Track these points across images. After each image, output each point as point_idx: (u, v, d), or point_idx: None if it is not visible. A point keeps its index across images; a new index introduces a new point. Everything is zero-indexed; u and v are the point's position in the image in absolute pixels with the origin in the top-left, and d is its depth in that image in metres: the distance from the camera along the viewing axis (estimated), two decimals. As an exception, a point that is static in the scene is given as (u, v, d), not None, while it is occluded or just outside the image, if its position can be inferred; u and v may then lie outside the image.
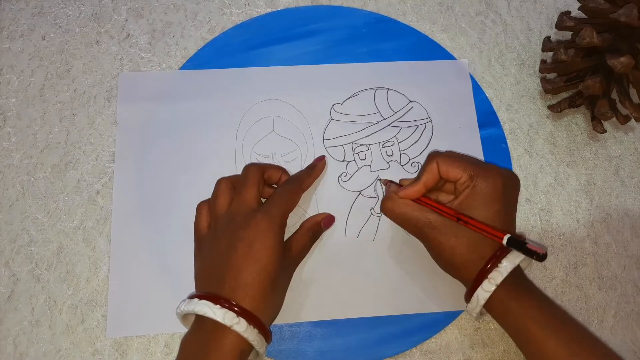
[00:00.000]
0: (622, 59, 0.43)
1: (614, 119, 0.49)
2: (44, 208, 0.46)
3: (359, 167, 0.49)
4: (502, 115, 0.52)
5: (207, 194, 0.46)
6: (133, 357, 0.43)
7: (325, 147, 0.49)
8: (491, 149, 0.50)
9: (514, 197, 0.41)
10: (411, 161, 0.49)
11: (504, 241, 0.36)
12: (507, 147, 0.51)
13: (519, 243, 0.36)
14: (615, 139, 0.52)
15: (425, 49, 0.53)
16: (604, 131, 0.50)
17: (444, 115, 0.51)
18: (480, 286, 0.37)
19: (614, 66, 0.43)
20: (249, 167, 0.42)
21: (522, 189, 0.49)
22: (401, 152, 0.49)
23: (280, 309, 0.40)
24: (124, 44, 0.51)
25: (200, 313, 0.35)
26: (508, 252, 0.37)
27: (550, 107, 0.52)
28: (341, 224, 0.47)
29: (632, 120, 0.48)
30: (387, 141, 0.49)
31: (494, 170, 0.40)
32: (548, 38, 0.51)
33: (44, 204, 0.46)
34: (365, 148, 0.49)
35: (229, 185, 0.42)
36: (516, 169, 0.50)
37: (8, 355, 0.42)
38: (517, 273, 0.39)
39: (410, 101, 0.51)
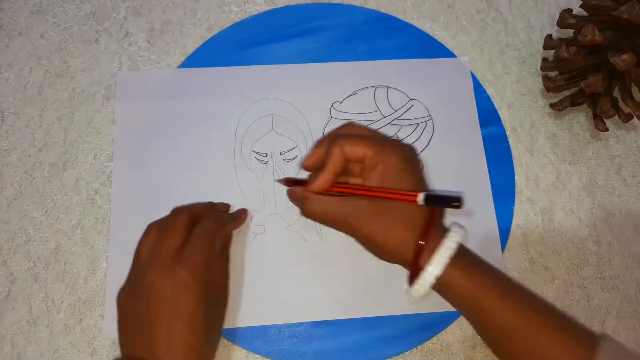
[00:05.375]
0: (624, 57, 0.42)
1: (616, 117, 0.48)
2: (41, 207, 0.46)
3: (359, 165, 0.48)
4: (503, 114, 0.51)
5: (206, 193, 0.46)
6: (131, 357, 0.42)
7: (325, 146, 0.49)
8: (492, 147, 0.50)
9: (419, 167, 0.39)
10: (411, 160, 0.49)
11: (420, 199, 0.35)
12: (508, 145, 0.50)
13: (437, 197, 0.34)
14: (617, 137, 0.52)
15: (426, 46, 0.53)
16: (606, 129, 0.49)
17: (444, 113, 0.50)
18: (427, 265, 0.35)
19: (616, 64, 0.43)
20: (177, 212, 0.40)
21: (523, 188, 0.49)
22: (401, 151, 0.49)
23: (216, 349, 0.39)
24: (122, 42, 0.51)
25: None
26: (440, 231, 0.36)
27: (551, 106, 0.51)
28: (341, 223, 0.46)
29: (635, 118, 0.48)
30: (387, 140, 0.49)
31: (397, 142, 0.40)
32: (549, 36, 0.51)
33: (41, 203, 0.46)
34: (365, 147, 0.49)
35: (157, 232, 0.39)
36: (517, 167, 0.50)
37: (5, 355, 0.42)
38: (458, 248, 0.37)
39: (411, 99, 0.51)
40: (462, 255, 0.36)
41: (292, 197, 0.41)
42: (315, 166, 0.40)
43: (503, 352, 0.37)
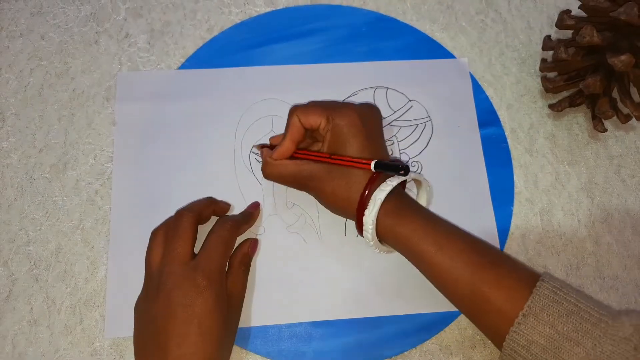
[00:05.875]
0: (623, 58, 0.42)
1: (615, 118, 0.48)
2: (42, 208, 0.46)
3: (359, 166, 0.48)
4: (502, 115, 0.51)
5: (206, 194, 0.46)
6: (131, 357, 0.42)
7: (325, 147, 0.49)
8: (491, 148, 0.50)
9: (375, 127, 0.43)
10: (411, 160, 0.49)
11: (372, 166, 0.39)
12: (507, 146, 0.50)
13: (385, 165, 0.38)
14: (616, 138, 0.52)
15: (425, 48, 0.53)
16: (605, 130, 0.49)
17: (444, 114, 0.50)
18: (363, 214, 0.39)
19: (614, 65, 0.43)
20: (181, 215, 0.40)
21: (522, 188, 0.49)
22: (400, 152, 0.49)
23: (229, 355, 0.40)
24: (122, 44, 0.51)
25: None
26: (383, 180, 0.39)
27: (550, 106, 0.51)
28: (341, 223, 0.47)
29: (633, 119, 0.48)
30: (386, 140, 0.49)
31: (349, 107, 0.42)
32: (548, 37, 0.51)
33: (42, 204, 0.46)
34: (364, 147, 0.49)
35: (164, 237, 0.40)
36: (517, 168, 0.50)
37: (7, 355, 0.42)
38: (402, 201, 0.41)
39: (410, 100, 0.51)
40: (404, 210, 0.40)
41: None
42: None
43: (449, 295, 0.39)
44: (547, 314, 0.34)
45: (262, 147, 0.47)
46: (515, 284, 0.36)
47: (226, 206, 0.46)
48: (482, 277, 0.37)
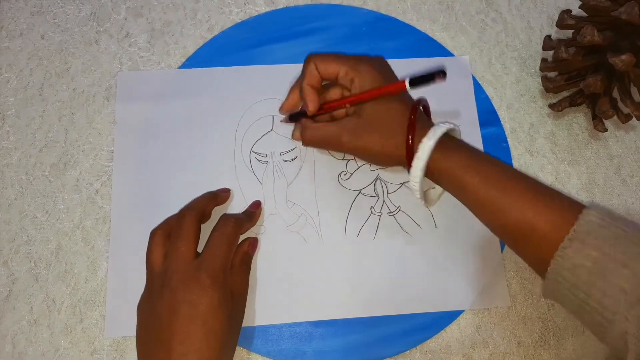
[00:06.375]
0: (623, 57, 0.43)
1: (615, 117, 0.48)
2: (42, 207, 0.46)
3: (359, 165, 0.48)
4: (502, 114, 0.51)
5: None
6: (132, 356, 0.43)
7: (325, 146, 0.49)
8: (492, 147, 0.50)
9: (390, 71, 0.44)
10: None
11: (407, 84, 0.38)
12: (507, 146, 0.50)
13: (420, 77, 0.38)
14: (616, 137, 0.52)
15: (426, 47, 0.53)
16: (605, 130, 0.49)
17: (444, 113, 0.50)
18: (414, 156, 0.38)
19: (615, 64, 0.43)
20: (184, 215, 0.40)
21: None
22: (401, 151, 0.49)
23: (233, 355, 0.40)
24: (123, 43, 0.51)
25: None
26: (425, 124, 0.39)
27: (551, 106, 0.51)
28: (341, 222, 0.47)
29: (634, 118, 0.48)
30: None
31: (365, 59, 0.42)
32: (549, 36, 0.51)
33: (42, 203, 0.46)
34: (365, 147, 0.49)
35: (164, 237, 0.40)
36: (517, 167, 0.50)
37: (7, 355, 0.42)
38: (446, 136, 0.40)
39: (410, 100, 0.51)
40: (446, 144, 0.39)
41: (295, 137, 0.47)
42: (292, 108, 0.46)
43: (494, 225, 0.39)
44: (593, 238, 0.33)
45: (288, 118, 0.47)
46: (561, 212, 0.36)
47: (226, 193, 0.46)
48: (527, 205, 0.36)
